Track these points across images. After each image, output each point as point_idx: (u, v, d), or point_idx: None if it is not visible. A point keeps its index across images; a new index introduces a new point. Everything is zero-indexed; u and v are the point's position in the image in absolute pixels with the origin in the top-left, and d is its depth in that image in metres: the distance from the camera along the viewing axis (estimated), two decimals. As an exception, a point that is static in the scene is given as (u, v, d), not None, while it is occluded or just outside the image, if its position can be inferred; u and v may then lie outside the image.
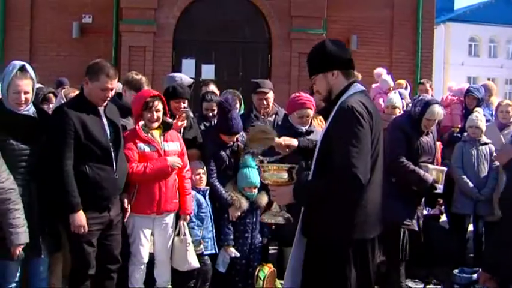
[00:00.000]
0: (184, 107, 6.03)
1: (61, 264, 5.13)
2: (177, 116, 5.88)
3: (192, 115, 6.30)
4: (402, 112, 7.48)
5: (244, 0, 13.46)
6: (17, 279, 4.80)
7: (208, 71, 12.98)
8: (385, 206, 3.85)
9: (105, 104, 5.00)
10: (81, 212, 4.76)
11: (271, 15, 13.46)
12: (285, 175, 3.66)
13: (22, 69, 4.75)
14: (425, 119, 6.15)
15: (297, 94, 6.28)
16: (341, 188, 3.48)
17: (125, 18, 13.14)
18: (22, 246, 4.54)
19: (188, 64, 12.95)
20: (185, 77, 6.74)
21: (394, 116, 7.26)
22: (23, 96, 4.68)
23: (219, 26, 13.17)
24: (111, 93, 4.98)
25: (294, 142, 4.40)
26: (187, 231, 5.59)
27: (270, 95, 6.82)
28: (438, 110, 6.21)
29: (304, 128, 6.00)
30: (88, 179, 4.80)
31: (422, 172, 6.10)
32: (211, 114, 6.67)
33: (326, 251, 3.63)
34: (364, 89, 3.76)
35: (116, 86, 5.08)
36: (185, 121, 5.93)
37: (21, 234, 4.49)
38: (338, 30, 14.25)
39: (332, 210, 3.57)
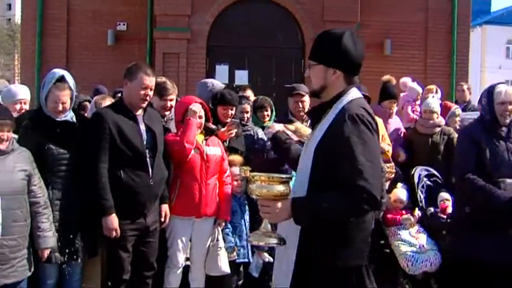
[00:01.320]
0: (232, 114, 6.03)
1: (99, 268, 5.19)
2: (227, 126, 5.89)
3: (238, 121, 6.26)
4: (439, 117, 7.39)
5: (277, 5, 13.51)
6: (53, 281, 4.89)
7: (241, 76, 13.05)
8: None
9: (144, 106, 5.05)
10: (113, 215, 4.82)
11: (304, 20, 13.47)
12: (280, 187, 3.05)
13: (61, 79, 4.84)
14: (496, 105, 5.16)
15: None
16: (356, 208, 3.05)
17: (159, 26, 13.29)
18: (49, 250, 4.65)
19: (222, 70, 13.05)
20: (217, 82, 6.77)
21: (432, 121, 7.20)
22: (60, 106, 4.79)
23: (252, 31, 13.22)
24: (150, 93, 5.03)
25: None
26: (220, 237, 5.62)
27: (306, 99, 6.80)
28: (507, 88, 5.21)
29: None
30: (123, 184, 4.86)
31: (493, 189, 5.00)
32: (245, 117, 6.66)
33: (326, 277, 3.21)
34: (361, 95, 3.36)
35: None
36: (234, 132, 5.95)
37: (49, 238, 4.60)
38: (371, 34, 14.20)
39: (338, 232, 3.15)
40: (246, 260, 5.84)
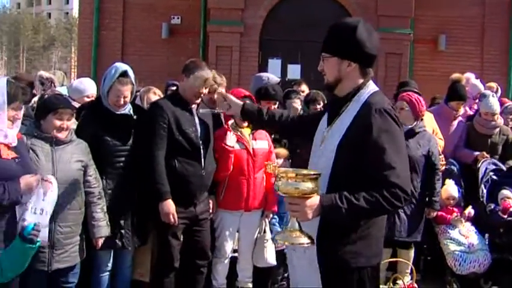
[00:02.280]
0: (274, 109, 6.10)
1: (149, 256, 5.32)
2: None
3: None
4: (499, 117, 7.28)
5: (330, -1, 13.46)
6: (109, 268, 5.05)
7: (294, 70, 13.05)
8: None
9: (198, 101, 5.18)
10: (170, 200, 4.93)
11: (358, 14, 13.33)
12: (309, 185, 2.89)
13: (124, 74, 4.96)
14: None
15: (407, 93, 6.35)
16: (389, 205, 2.97)
17: (213, 19, 13.42)
18: (103, 239, 4.79)
19: (275, 64, 13.08)
20: (272, 76, 6.84)
21: (493, 123, 7.10)
22: (122, 101, 4.92)
23: (304, 25, 13.20)
24: (205, 91, 5.15)
25: (238, 103, 3.77)
26: (267, 228, 5.69)
27: None
28: None
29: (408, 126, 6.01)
30: (176, 173, 4.97)
31: None
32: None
33: (346, 276, 3.14)
34: (378, 88, 3.29)
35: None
36: None
37: (102, 227, 4.75)
38: (426, 29, 14.08)
39: (358, 230, 3.11)
40: (294, 250, 5.87)
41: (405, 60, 13.35)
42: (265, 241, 5.64)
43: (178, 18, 14.68)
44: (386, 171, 2.95)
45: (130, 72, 5.06)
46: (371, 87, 3.21)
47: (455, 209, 6.56)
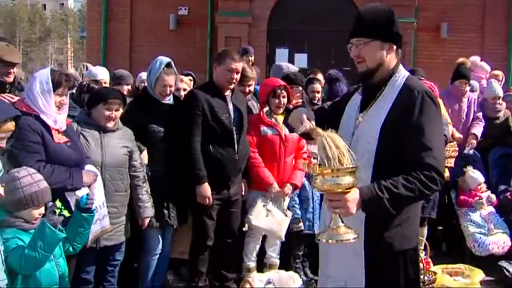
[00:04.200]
0: (297, 92, 6.39)
1: (189, 235, 5.64)
2: (293, 98, 6.27)
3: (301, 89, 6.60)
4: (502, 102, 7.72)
5: (336, -11, 13.66)
6: (158, 244, 5.40)
7: (301, 60, 13.29)
8: None
9: (231, 87, 5.48)
10: (206, 184, 5.30)
11: (363, 3, 13.56)
12: (348, 179, 2.76)
13: (168, 65, 5.30)
14: None
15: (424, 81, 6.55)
16: (428, 188, 2.93)
17: (221, 10, 13.63)
18: (149, 219, 5.14)
19: (282, 53, 13.33)
20: (291, 66, 7.18)
21: (499, 106, 7.54)
22: (168, 90, 5.27)
23: (311, 15, 13.43)
24: (236, 76, 5.44)
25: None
26: (285, 202, 5.93)
27: None
28: None
29: None
30: (211, 158, 5.32)
31: None
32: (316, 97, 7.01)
33: (391, 260, 3.15)
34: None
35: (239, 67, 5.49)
36: (300, 101, 6.32)
37: (148, 208, 5.11)
38: (428, 17, 14.28)
39: (408, 216, 3.13)
40: (311, 231, 6.16)
41: (409, 49, 13.56)
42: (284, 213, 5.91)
43: (185, 9, 14.90)
44: (423, 152, 2.94)
45: (173, 64, 5.42)
46: (403, 71, 3.21)
47: (478, 194, 6.91)
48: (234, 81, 5.46)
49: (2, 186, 3.46)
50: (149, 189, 5.13)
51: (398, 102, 3.08)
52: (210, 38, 14.53)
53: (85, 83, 5.67)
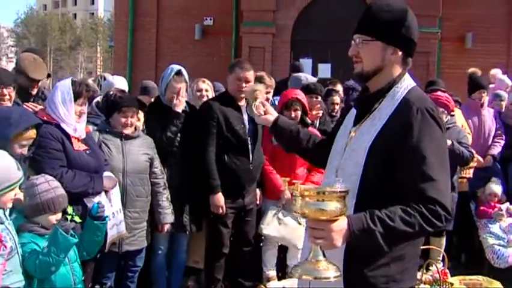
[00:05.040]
0: (316, 102, 6.48)
1: (203, 244, 5.74)
2: (313, 108, 6.34)
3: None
4: None
5: (359, -1, 13.72)
6: (165, 249, 5.50)
7: (324, 70, 13.36)
8: None
9: (243, 96, 5.50)
10: (220, 194, 5.39)
11: (386, 13, 13.58)
12: (335, 205, 2.29)
13: (178, 73, 5.42)
14: None
15: (438, 94, 6.59)
16: (430, 225, 2.47)
17: (246, 21, 13.81)
18: (168, 225, 5.27)
19: (306, 63, 13.33)
20: (310, 76, 7.26)
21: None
22: (177, 96, 5.37)
23: (335, 25, 13.46)
24: (246, 85, 5.45)
25: (273, 114, 3.28)
26: None
27: None
28: None
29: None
30: (226, 167, 5.42)
31: None
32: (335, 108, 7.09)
33: None
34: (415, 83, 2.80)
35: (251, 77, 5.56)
36: (320, 112, 6.38)
37: (168, 214, 5.22)
38: (453, 27, 14.24)
39: (397, 251, 2.59)
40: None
41: (433, 59, 13.59)
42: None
43: (210, 19, 15.10)
44: (424, 183, 2.49)
45: (184, 72, 5.51)
46: (408, 81, 2.74)
47: (497, 206, 6.90)
48: (244, 89, 5.49)
49: (21, 192, 3.59)
50: (169, 196, 5.24)
51: (393, 119, 2.62)
52: (235, 48, 14.71)
53: (111, 92, 5.83)
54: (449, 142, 6.34)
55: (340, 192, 2.29)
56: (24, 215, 3.63)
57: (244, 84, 5.48)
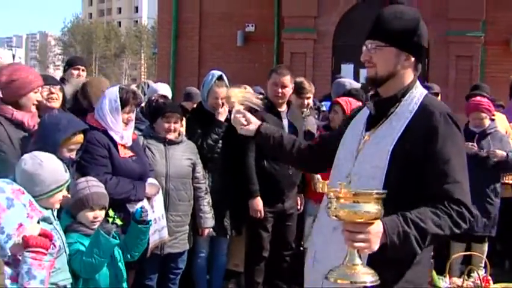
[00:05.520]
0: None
1: (243, 248, 5.84)
2: None
3: None
4: None
5: (399, 3, 13.60)
6: (206, 252, 5.61)
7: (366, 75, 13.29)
8: None
9: (280, 101, 5.63)
10: (259, 198, 5.47)
11: (428, 18, 13.51)
12: (373, 207, 2.28)
13: (220, 78, 5.52)
14: None
15: (478, 99, 6.61)
16: (456, 225, 2.52)
17: (287, 27, 13.89)
18: (209, 229, 5.36)
19: (348, 69, 13.36)
20: (353, 82, 7.29)
21: None
22: (220, 102, 5.46)
23: (375, 30, 13.45)
24: (283, 90, 5.60)
25: (255, 123, 3.22)
26: None
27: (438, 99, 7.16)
28: None
29: (477, 130, 6.41)
30: (265, 173, 5.49)
31: None
32: None
33: None
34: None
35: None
36: None
37: (208, 219, 5.32)
38: (497, 31, 14.00)
39: (421, 259, 2.65)
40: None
41: (477, 63, 13.42)
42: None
43: (252, 26, 15.23)
44: (450, 185, 2.56)
45: (224, 77, 5.62)
46: (420, 88, 2.82)
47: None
48: (280, 94, 5.60)
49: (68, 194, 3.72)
50: (210, 201, 5.34)
51: (415, 124, 2.66)
52: (276, 54, 14.79)
53: (153, 98, 5.97)
54: (503, 153, 6.33)
55: (377, 194, 2.30)
56: (71, 215, 3.76)
57: (280, 90, 5.56)
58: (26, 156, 3.40)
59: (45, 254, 2.93)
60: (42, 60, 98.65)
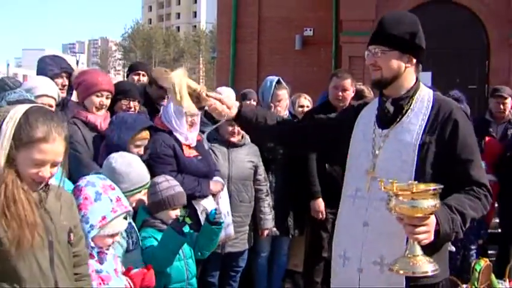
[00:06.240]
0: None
1: (303, 248, 5.98)
2: None
3: None
4: None
5: (460, 6, 13.52)
6: (267, 252, 5.79)
7: (425, 78, 13.20)
8: None
9: (340, 104, 5.72)
10: (320, 199, 5.62)
11: (489, 20, 13.35)
12: (430, 202, 2.44)
13: (279, 82, 5.71)
14: None
15: None
16: (486, 208, 2.81)
17: (345, 30, 13.89)
18: (268, 230, 5.53)
19: (406, 71, 13.29)
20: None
21: None
22: (284, 104, 5.65)
23: (435, 33, 13.29)
24: (343, 94, 5.74)
25: (233, 105, 3.20)
26: None
27: (508, 101, 7.12)
28: None
29: None
30: (326, 174, 5.61)
31: None
32: None
33: None
34: None
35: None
36: None
37: (268, 220, 5.51)
38: None
39: (445, 251, 2.94)
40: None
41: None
42: None
43: (310, 30, 15.25)
44: (475, 172, 2.82)
45: (282, 81, 5.84)
46: (424, 86, 3.03)
47: None
48: (341, 98, 5.72)
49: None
50: (271, 203, 5.51)
51: (435, 119, 2.88)
52: (335, 57, 14.80)
53: None
54: None
55: (433, 189, 2.44)
56: (148, 212, 3.98)
57: (340, 93, 5.67)
58: (115, 155, 3.69)
59: None
60: (104, 65, 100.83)
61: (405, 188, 2.45)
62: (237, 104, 3.27)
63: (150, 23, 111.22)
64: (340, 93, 5.69)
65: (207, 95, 3.08)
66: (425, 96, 2.95)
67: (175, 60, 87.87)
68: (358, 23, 13.68)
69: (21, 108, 2.30)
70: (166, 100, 5.86)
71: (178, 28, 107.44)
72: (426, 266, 2.47)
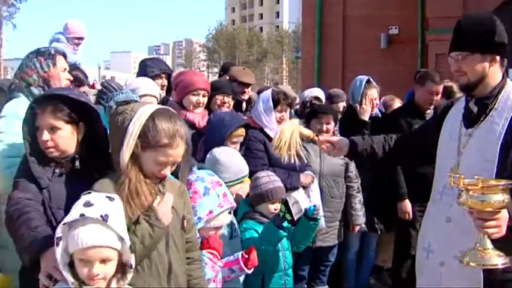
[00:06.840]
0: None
1: (391, 245, 6.05)
2: None
3: None
4: None
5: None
6: (356, 247, 5.94)
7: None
8: None
9: (430, 107, 5.79)
10: (407, 201, 5.70)
11: None
12: (499, 197, 2.51)
13: (368, 81, 5.83)
14: None
15: None
16: None
17: (432, 28, 13.74)
18: (359, 226, 5.67)
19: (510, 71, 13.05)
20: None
21: None
22: (374, 103, 5.77)
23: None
24: (436, 98, 5.77)
25: (343, 145, 3.63)
26: None
27: None
28: None
29: None
30: (416, 173, 5.57)
31: None
32: None
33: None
34: None
35: None
36: None
37: (359, 216, 5.65)
38: None
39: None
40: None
41: None
42: None
43: (395, 28, 15.17)
44: None
45: (371, 80, 5.96)
46: (510, 83, 3.05)
47: None
48: (435, 102, 5.76)
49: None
50: (362, 199, 5.64)
51: None
52: (421, 56, 14.66)
53: (307, 99, 6.40)
54: None
55: (503, 184, 2.51)
56: (249, 204, 4.22)
57: (435, 98, 5.71)
58: (218, 148, 3.97)
59: (219, 259, 3.37)
60: (188, 67, 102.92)
61: (473, 183, 2.53)
62: (347, 142, 3.59)
63: (233, 24, 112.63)
64: (435, 98, 5.74)
65: (318, 139, 3.61)
66: (510, 94, 2.98)
67: (258, 61, 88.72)
68: (444, 20, 13.45)
69: (148, 110, 2.59)
70: (246, 95, 6.19)
71: (261, 28, 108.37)
72: (496, 259, 2.52)
